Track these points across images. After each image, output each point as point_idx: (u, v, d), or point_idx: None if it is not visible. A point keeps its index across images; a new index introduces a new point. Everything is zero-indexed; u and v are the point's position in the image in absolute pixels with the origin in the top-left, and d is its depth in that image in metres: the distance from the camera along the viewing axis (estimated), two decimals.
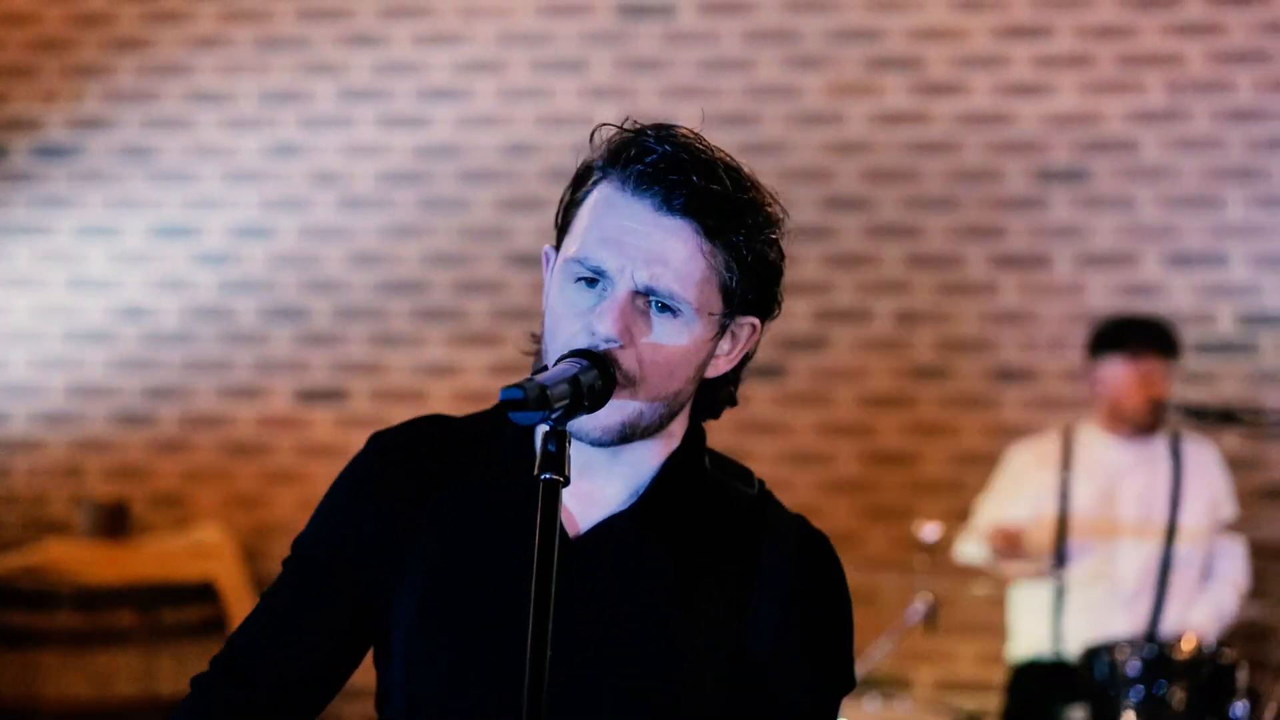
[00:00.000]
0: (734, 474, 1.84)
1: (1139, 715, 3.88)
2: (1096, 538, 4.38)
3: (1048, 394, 5.06)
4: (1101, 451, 4.45)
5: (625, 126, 1.73)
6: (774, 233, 1.73)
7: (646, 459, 1.76)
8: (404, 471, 1.82)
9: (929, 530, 4.10)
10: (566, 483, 1.55)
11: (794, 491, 5.10)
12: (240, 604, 4.83)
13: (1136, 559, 4.37)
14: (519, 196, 5.28)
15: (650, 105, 5.21)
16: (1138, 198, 5.10)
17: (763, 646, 1.75)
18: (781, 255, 1.75)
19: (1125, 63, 5.13)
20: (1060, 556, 4.36)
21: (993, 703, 4.69)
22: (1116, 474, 4.44)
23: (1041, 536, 4.39)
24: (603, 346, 1.64)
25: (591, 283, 1.68)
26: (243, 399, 5.35)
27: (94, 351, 5.41)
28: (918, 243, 5.14)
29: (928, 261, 5.15)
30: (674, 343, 1.68)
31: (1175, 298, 5.03)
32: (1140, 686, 3.91)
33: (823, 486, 5.15)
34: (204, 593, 4.62)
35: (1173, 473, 4.43)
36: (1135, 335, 4.39)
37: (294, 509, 5.32)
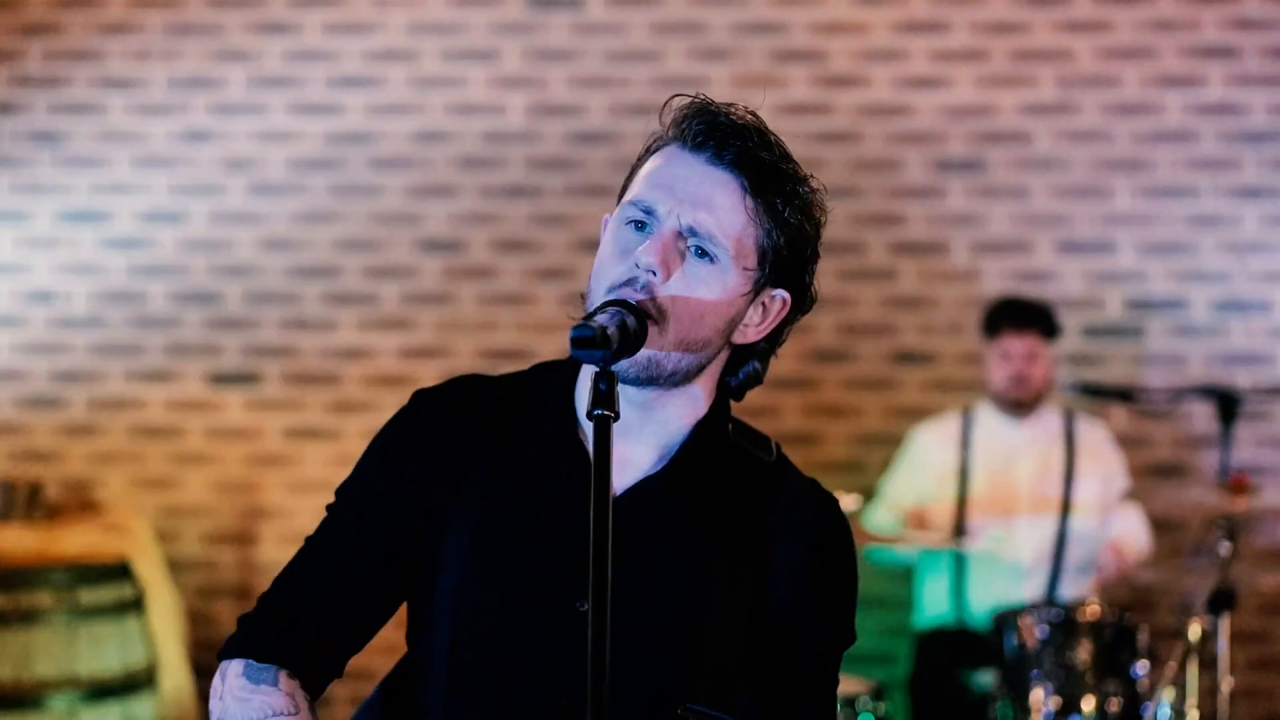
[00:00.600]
0: (755, 441, 1.96)
1: (1046, 677, 4.04)
2: (995, 513, 4.57)
3: (945, 376, 5.23)
4: (998, 431, 4.66)
5: (693, 97, 1.88)
6: (813, 209, 1.88)
7: (675, 423, 1.87)
8: (447, 427, 1.92)
9: (845, 501, 4.24)
10: (617, 418, 1.65)
11: None
12: (156, 585, 4.87)
13: (1034, 533, 4.59)
14: (430, 183, 5.35)
15: (559, 95, 5.31)
16: (1030, 187, 5.28)
17: (782, 600, 1.89)
18: (818, 235, 1.90)
19: (1018, 58, 5.31)
20: (960, 530, 4.56)
21: (898, 673, 4.85)
22: (1012, 452, 4.64)
23: (944, 513, 4.59)
24: (643, 278, 1.76)
25: (641, 226, 1.80)
26: (153, 383, 5.37)
27: (2, 335, 5.40)
28: (825, 229, 5.28)
29: (830, 248, 5.27)
30: (707, 288, 1.80)
31: (1066, 283, 5.23)
32: (1047, 649, 4.07)
33: None
34: (121, 572, 4.64)
35: (1066, 450, 4.65)
36: (1009, 316, 4.63)
37: (204, 491, 5.36)
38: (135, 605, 4.84)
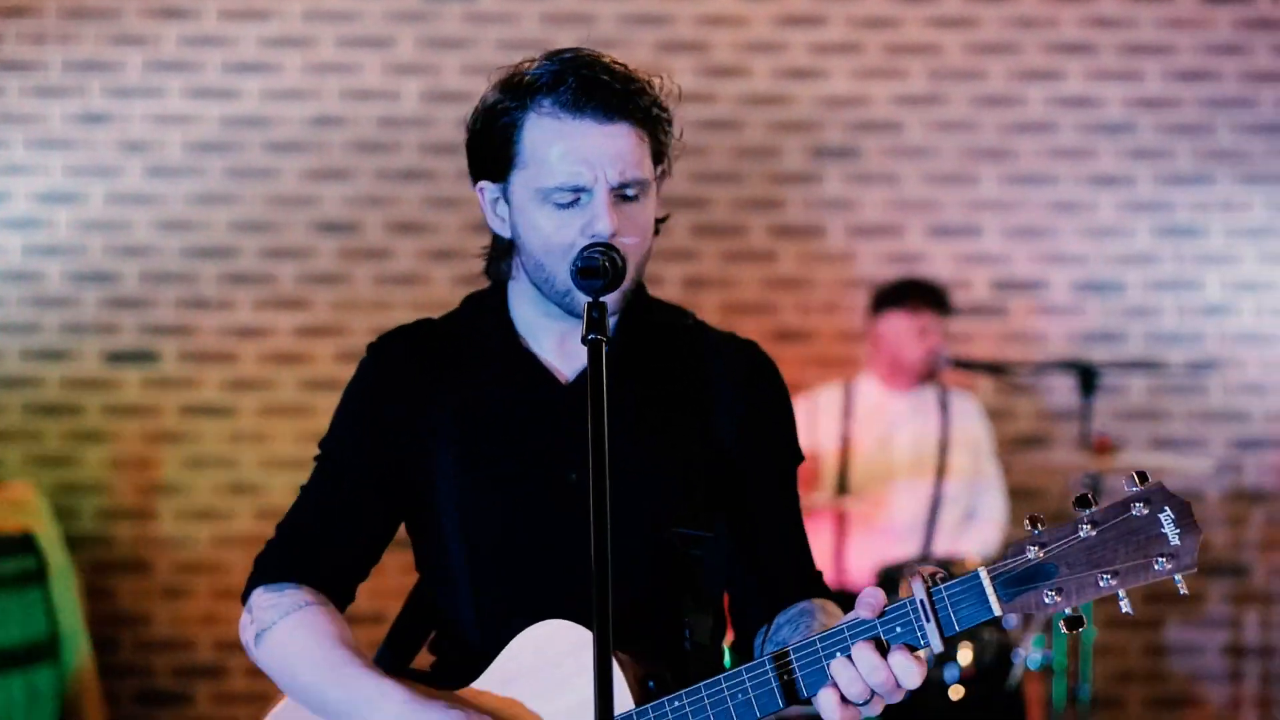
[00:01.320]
0: (673, 311, 2.23)
1: None
2: (875, 479, 4.84)
3: (823, 353, 5.48)
4: (879, 402, 4.95)
5: (521, 65, 2.06)
6: (664, 100, 2.10)
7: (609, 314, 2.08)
8: (408, 365, 2.15)
9: None
10: (610, 343, 1.89)
11: None
12: (56, 558, 4.93)
13: (910, 497, 4.89)
14: (326, 166, 5.48)
15: (452, 82, 5.46)
16: (902, 174, 5.54)
17: (730, 435, 2.15)
18: (668, 110, 2.11)
19: (891, 51, 5.57)
20: (843, 489, 4.85)
21: None
22: (892, 422, 4.94)
23: (828, 478, 4.88)
24: (604, 241, 2.00)
25: (570, 205, 2.02)
26: (50, 361, 5.43)
27: None
28: (704, 213, 5.50)
29: (713, 231, 5.52)
30: (644, 215, 2.07)
31: (936, 265, 5.49)
32: None
33: None
34: (23, 545, 4.70)
35: (941, 421, 4.94)
36: (913, 293, 4.92)
37: (102, 469, 5.43)
38: (37, 577, 4.89)
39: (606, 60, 2.06)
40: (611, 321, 2.11)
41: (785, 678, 1.94)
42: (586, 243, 2.01)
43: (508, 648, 2.05)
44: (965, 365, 5.05)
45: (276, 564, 2.15)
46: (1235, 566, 5.62)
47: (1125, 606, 1.87)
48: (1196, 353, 5.59)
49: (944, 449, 4.92)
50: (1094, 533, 1.87)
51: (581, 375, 2.13)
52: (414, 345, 2.20)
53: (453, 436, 2.12)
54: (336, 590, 2.15)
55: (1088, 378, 4.92)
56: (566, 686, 2.02)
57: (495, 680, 2.06)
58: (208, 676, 5.51)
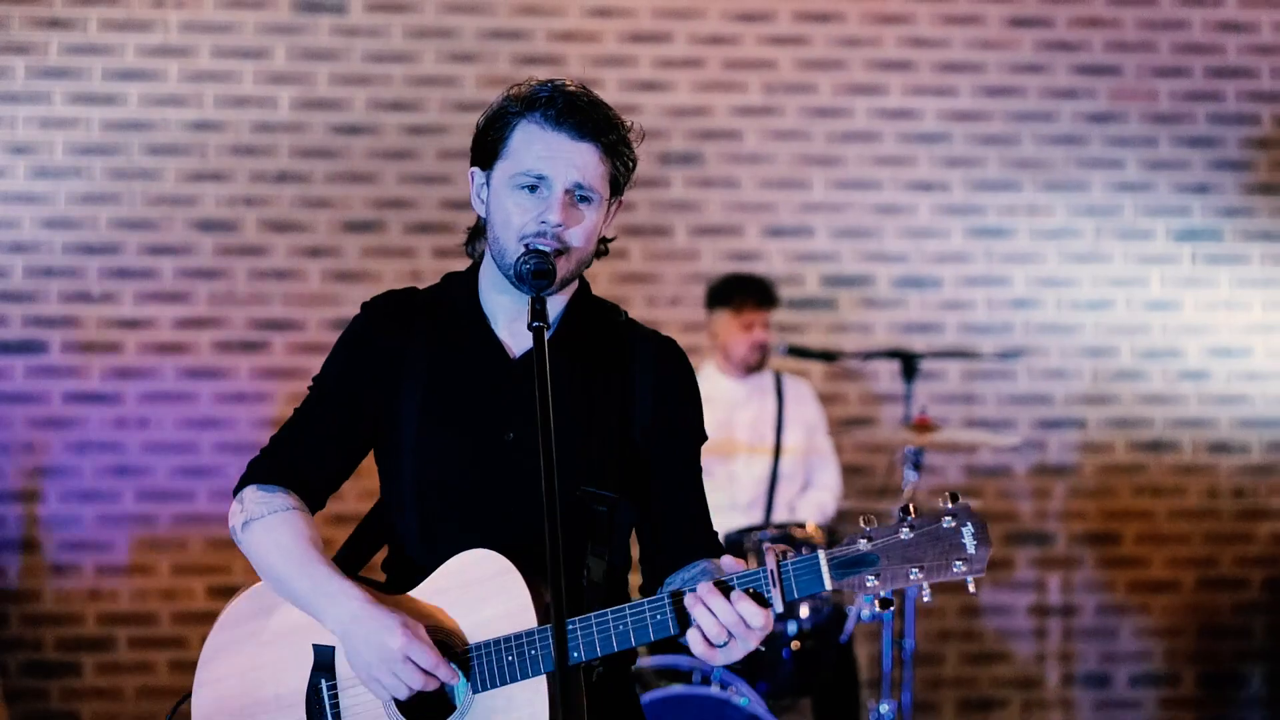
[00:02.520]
0: (608, 308, 2.64)
1: None
2: (717, 456, 5.25)
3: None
4: (720, 387, 5.35)
5: (531, 82, 2.50)
6: (631, 141, 2.51)
7: (555, 302, 2.51)
8: (389, 324, 2.57)
9: None
10: (549, 328, 2.31)
11: None
12: None
13: (750, 473, 5.31)
14: (204, 168, 5.76)
15: (323, 90, 5.77)
16: (740, 179, 5.97)
17: (647, 415, 2.56)
18: (630, 149, 2.52)
19: (730, 66, 5.99)
20: None
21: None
22: (732, 405, 5.36)
23: None
24: (551, 230, 2.40)
25: (533, 189, 2.42)
26: None
27: None
28: None
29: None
30: (590, 221, 2.46)
31: (772, 262, 5.92)
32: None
33: None
34: None
35: (777, 404, 5.39)
36: (737, 291, 5.33)
37: None
38: None
39: (593, 97, 2.48)
40: (558, 307, 2.53)
41: (658, 617, 2.34)
42: (537, 229, 2.40)
43: (441, 567, 2.43)
44: (800, 353, 5.47)
45: (268, 469, 2.54)
46: (1039, 535, 6.13)
47: (926, 596, 2.31)
48: (1005, 342, 6.06)
49: (780, 429, 5.36)
50: (911, 535, 2.29)
51: (527, 354, 2.53)
52: (398, 306, 2.61)
53: (418, 385, 2.53)
54: (313, 498, 2.56)
55: (909, 364, 5.38)
56: (483, 604, 2.41)
57: (428, 591, 2.44)
58: (93, 648, 5.76)
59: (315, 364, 5.80)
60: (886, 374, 5.95)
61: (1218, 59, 6.16)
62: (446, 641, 2.41)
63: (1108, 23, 6.13)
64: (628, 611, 2.35)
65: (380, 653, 2.36)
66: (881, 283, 6.06)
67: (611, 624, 2.35)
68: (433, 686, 2.37)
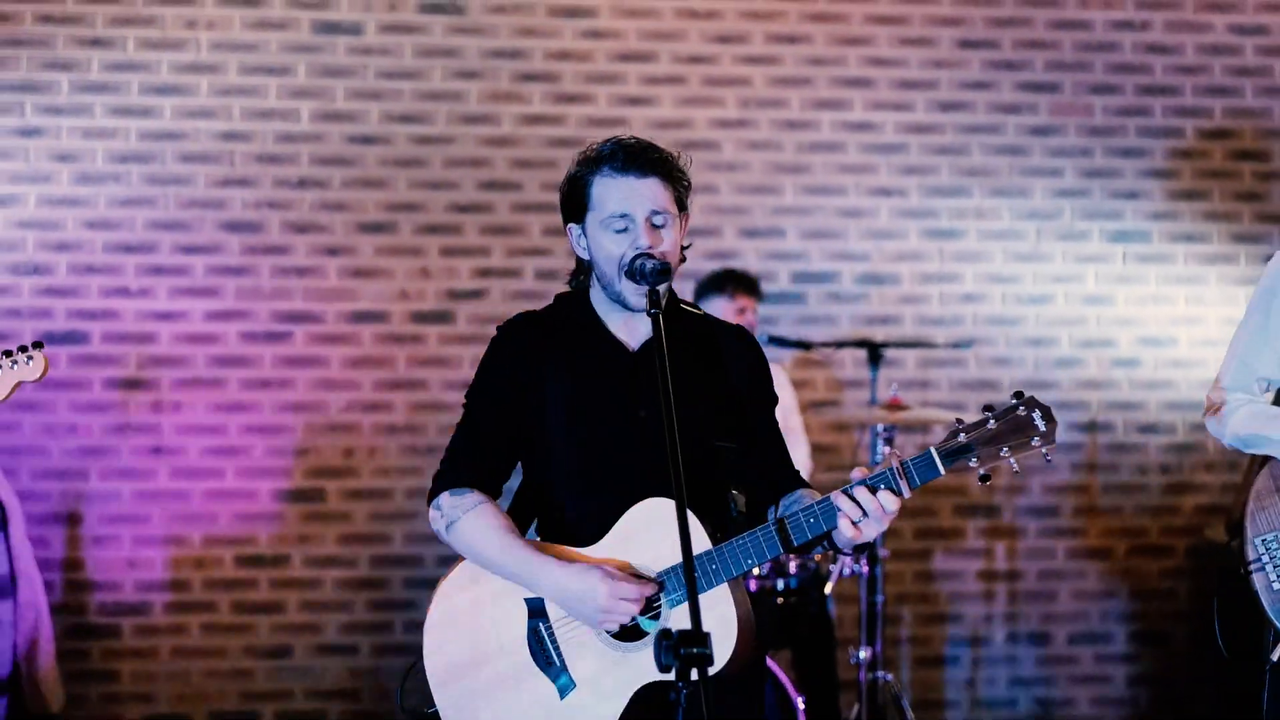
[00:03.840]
0: (691, 305, 3.16)
1: None
2: None
3: None
4: None
5: (598, 143, 3.06)
6: (684, 166, 3.05)
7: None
8: (524, 339, 3.10)
9: None
10: (663, 312, 2.84)
11: (459, 410, 6.23)
12: (14, 508, 5.57)
13: None
14: (232, 175, 6.17)
15: (340, 104, 6.19)
16: (718, 185, 6.42)
17: (741, 384, 3.10)
18: (684, 173, 3.06)
19: (708, 83, 6.40)
20: None
21: None
22: None
23: None
24: (645, 252, 2.94)
25: (623, 230, 2.94)
26: None
27: None
28: (554, 217, 6.28)
29: (562, 231, 6.29)
30: (671, 236, 2.99)
31: (747, 261, 6.37)
32: None
33: None
34: None
35: None
36: (729, 280, 5.80)
37: (38, 435, 6.07)
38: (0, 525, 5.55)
39: (645, 141, 3.03)
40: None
41: (784, 533, 2.90)
42: (634, 254, 2.94)
43: (621, 519, 2.98)
44: (780, 342, 5.90)
45: (454, 476, 3.08)
46: (988, 507, 6.55)
47: (1015, 468, 2.87)
48: (956, 333, 6.47)
49: None
50: (995, 425, 2.86)
51: (642, 345, 3.08)
52: (526, 325, 3.16)
53: (561, 386, 3.07)
54: (493, 489, 3.10)
55: (874, 352, 5.84)
56: (662, 540, 2.94)
57: (615, 540, 2.99)
58: (131, 613, 6.15)
59: (333, 352, 6.24)
60: (850, 361, 6.42)
61: (1146, 78, 6.59)
62: (640, 575, 2.95)
63: (1048, 45, 6.56)
64: (747, 538, 2.91)
65: (594, 603, 2.90)
66: (846, 279, 6.48)
67: (749, 544, 2.89)
68: (646, 591, 2.92)
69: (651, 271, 2.91)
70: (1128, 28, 6.59)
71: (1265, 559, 3.35)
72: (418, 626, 6.14)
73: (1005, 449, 2.85)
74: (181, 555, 6.18)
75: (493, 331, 6.19)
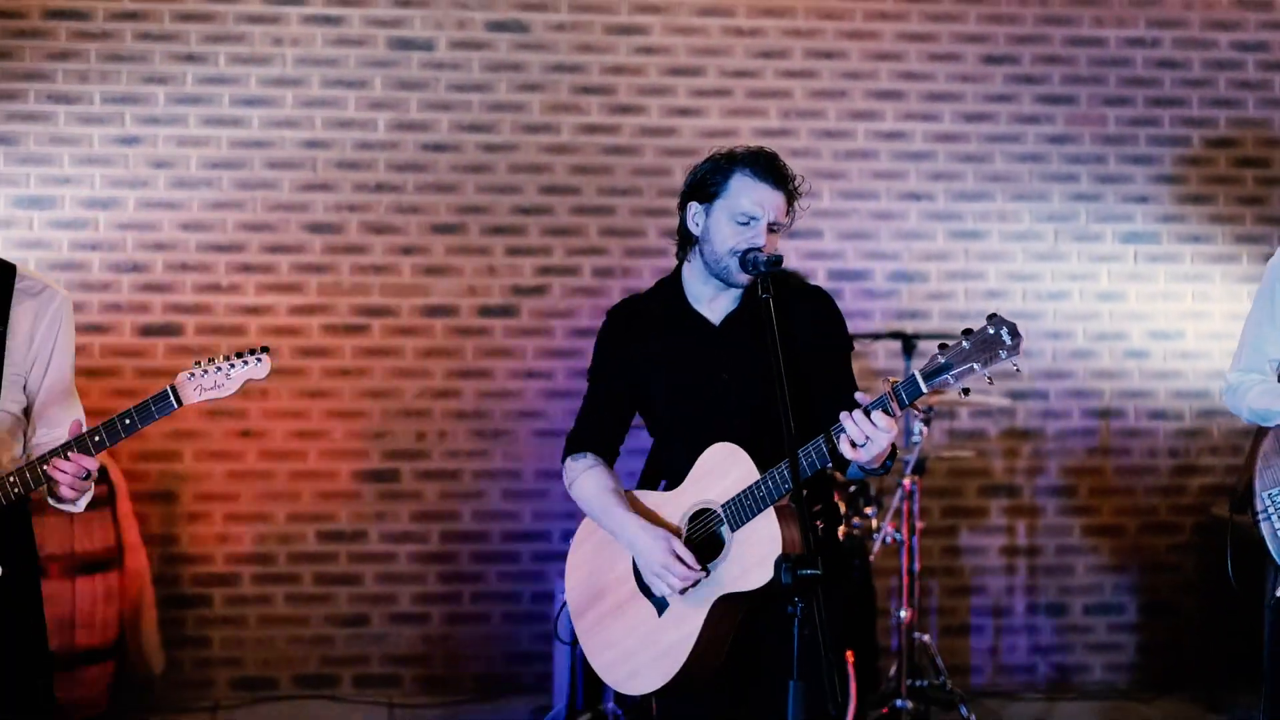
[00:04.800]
0: (785, 273, 3.52)
1: None
2: None
3: None
4: None
5: (742, 147, 3.50)
6: (800, 183, 3.50)
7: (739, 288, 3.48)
8: (632, 322, 3.58)
9: None
10: (769, 297, 3.26)
11: (523, 397, 6.71)
12: (120, 485, 6.04)
13: None
14: (314, 180, 6.60)
15: (414, 114, 6.63)
16: None
17: (809, 340, 3.48)
18: (800, 192, 3.53)
19: (752, 95, 6.82)
20: None
21: None
22: None
23: None
24: (757, 249, 3.36)
25: (745, 224, 3.39)
26: (93, 333, 6.47)
27: None
28: (611, 219, 6.75)
29: (616, 232, 6.77)
30: (777, 240, 3.43)
31: (787, 260, 6.47)
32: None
33: (544, 392, 6.76)
34: (100, 472, 5.77)
35: None
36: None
37: None
38: (109, 499, 6.01)
39: (779, 158, 3.50)
40: (739, 291, 3.52)
41: (821, 448, 3.28)
42: (747, 247, 3.39)
43: (697, 461, 3.45)
44: None
45: (575, 442, 3.63)
46: (1010, 487, 6.96)
47: (989, 381, 3.16)
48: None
49: None
50: (968, 344, 3.19)
51: (725, 320, 3.54)
52: (630, 308, 3.66)
53: (659, 358, 3.55)
54: (609, 454, 3.62)
55: (909, 343, 6.25)
56: (725, 475, 3.41)
57: (693, 479, 3.47)
58: (221, 584, 6.60)
59: (408, 343, 6.73)
60: (883, 352, 6.83)
61: (1156, 91, 6.99)
62: (709, 506, 3.41)
63: (1064, 60, 6.96)
64: (801, 452, 3.30)
65: (650, 566, 3.41)
66: (878, 277, 6.88)
67: (785, 468, 3.30)
68: (690, 575, 3.37)
69: (765, 263, 3.35)
70: (1139, 44, 7.00)
71: (1271, 510, 3.81)
72: (485, 597, 6.65)
73: (978, 364, 3.15)
74: (268, 530, 6.63)
75: (552, 325, 6.67)
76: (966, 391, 3.26)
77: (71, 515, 4.99)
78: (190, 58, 6.56)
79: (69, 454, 3.38)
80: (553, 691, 6.26)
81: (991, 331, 3.19)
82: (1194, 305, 7.08)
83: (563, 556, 6.37)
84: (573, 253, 6.74)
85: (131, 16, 6.50)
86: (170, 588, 6.54)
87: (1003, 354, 3.17)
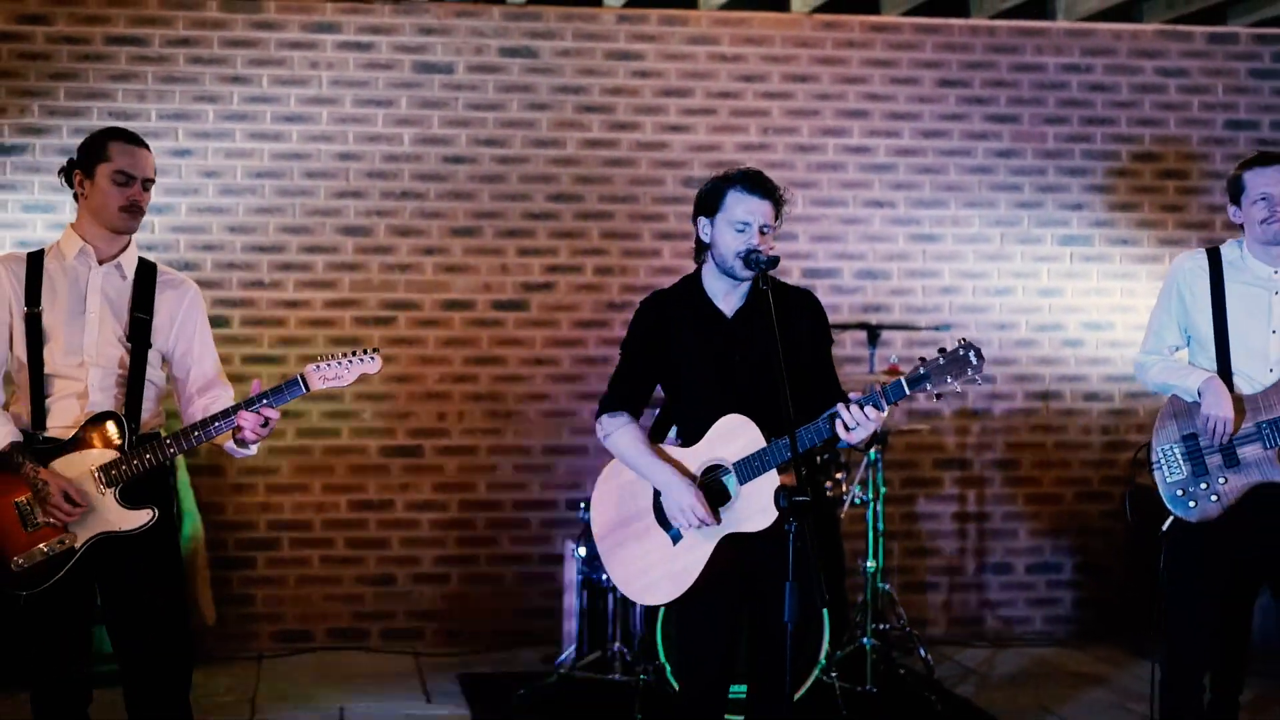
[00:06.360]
0: (770, 278, 4.13)
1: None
2: None
3: None
4: None
5: (734, 169, 4.17)
6: (785, 193, 4.14)
7: (747, 283, 4.16)
8: (661, 310, 4.22)
9: None
10: (768, 289, 3.94)
11: (533, 381, 7.47)
12: None
13: None
14: (347, 188, 7.28)
15: (436, 130, 7.32)
16: None
17: (802, 335, 4.13)
18: (785, 200, 4.16)
19: (735, 114, 7.50)
20: None
21: None
22: None
23: None
24: (758, 249, 4.02)
25: (741, 231, 4.06)
26: None
27: None
28: (611, 223, 7.46)
29: (615, 235, 7.47)
30: (769, 240, 4.07)
31: None
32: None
33: (551, 377, 7.50)
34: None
35: None
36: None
37: None
38: (171, 468, 6.72)
39: (765, 175, 4.15)
40: (746, 286, 4.19)
41: (821, 427, 3.96)
42: (746, 249, 4.06)
43: (712, 427, 4.13)
44: None
45: (611, 402, 4.25)
46: (961, 461, 7.66)
47: (959, 390, 3.95)
48: (936, 318, 7.48)
49: None
50: (944, 360, 3.87)
51: (736, 311, 4.20)
52: (660, 299, 4.29)
53: (682, 340, 4.21)
54: (636, 411, 4.25)
55: (873, 334, 6.83)
56: (735, 440, 4.10)
57: (708, 441, 4.15)
58: (263, 548, 7.27)
59: (430, 334, 7.54)
60: (850, 342, 7.52)
61: (1089, 111, 7.67)
62: (721, 463, 4.12)
63: (1010, 84, 7.64)
64: (803, 429, 3.98)
65: (675, 505, 4.10)
66: (846, 275, 7.55)
67: (803, 435, 4.00)
68: (709, 519, 4.06)
69: (766, 261, 4.05)
70: (1074, 70, 7.72)
71: (1162, 461, 4.68)
72: (498, 559, 7.42)
73: (950, 378, 3.82)
74: (305, 500, 7.31)
75: (558, 317, 7.43)
76: (939, 396, 3.90)
77: None
78: (236, 79, 7.24)
79: (255, 409, 4.09)
80: (561, 642, 7.01)
81: (963, 353, 3.88)
82: (1122, 300, 7.76)
83: (567, 523, 7.25)
84: (576, 253, 7.48)
85: (184, 43, 7.20)
86: (218, 551, 7.20)
87: (970, 372, 3.86)
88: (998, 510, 7.77)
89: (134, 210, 4.21)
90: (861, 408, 3.91)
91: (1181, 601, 4.68)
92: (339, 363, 4.20)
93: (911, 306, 7.64)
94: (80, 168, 4.23)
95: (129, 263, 4.31)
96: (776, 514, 4.00)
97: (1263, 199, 4.63)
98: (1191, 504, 4.64)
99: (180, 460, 6.84)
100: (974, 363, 3.87)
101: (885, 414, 3.95)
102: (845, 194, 7.62)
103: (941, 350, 3.91)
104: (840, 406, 3.94)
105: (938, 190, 7.67)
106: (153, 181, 4.29)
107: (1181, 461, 4.67)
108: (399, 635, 7.40)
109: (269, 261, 7.28)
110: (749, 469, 4.08)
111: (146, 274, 4.33)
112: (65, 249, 4.26)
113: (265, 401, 4.13)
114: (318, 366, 4.21)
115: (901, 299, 7.65)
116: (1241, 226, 4.76)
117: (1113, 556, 7.77)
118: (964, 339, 3.92)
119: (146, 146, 4.29)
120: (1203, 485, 4.62)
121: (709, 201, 4.21)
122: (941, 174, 7.66)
